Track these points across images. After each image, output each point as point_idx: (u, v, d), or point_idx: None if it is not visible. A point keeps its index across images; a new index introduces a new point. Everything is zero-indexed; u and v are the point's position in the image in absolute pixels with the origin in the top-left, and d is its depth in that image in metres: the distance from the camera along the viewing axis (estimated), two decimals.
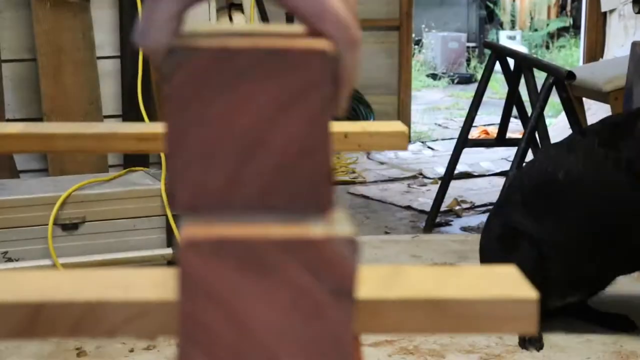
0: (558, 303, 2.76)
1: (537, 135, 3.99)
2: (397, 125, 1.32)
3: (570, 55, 11.01)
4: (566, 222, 2.68)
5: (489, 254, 2.84)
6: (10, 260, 3.03)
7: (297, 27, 0.68)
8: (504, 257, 2.66)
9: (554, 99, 4.44)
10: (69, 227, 3.08)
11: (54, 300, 0.67)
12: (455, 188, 4.88)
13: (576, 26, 11.34)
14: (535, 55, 9.59)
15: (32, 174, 3.57)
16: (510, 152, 5.72)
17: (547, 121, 4.08)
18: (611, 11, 6.35)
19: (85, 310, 0.67)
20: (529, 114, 4.01)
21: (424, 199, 4.82)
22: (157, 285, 0.70)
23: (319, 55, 0.60)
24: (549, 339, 2.74)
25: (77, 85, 3.52)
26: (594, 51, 6.46)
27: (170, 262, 3.14)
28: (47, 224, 3.04)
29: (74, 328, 0.68)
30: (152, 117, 3.51)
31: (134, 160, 3.52)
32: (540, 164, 2.84)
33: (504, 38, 11.63)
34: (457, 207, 4.63)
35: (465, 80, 10.75)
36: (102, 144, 1.21)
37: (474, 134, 6.55)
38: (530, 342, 2.69)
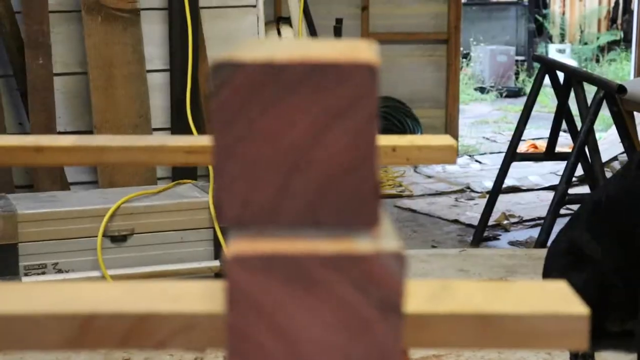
0: (616, 328, 2.71)
1: (587, 150, 3.95)
2: (445, 139, 1.32)
3: (621, 69, 10.89)
4: (618, 245, 2.63)
5: (552, 269, 2.80)
6: (60, 271, 3.06)
7: (345, 42, 0.68)
8: (567, 274, 2.61)
9: (604, 112, 4.39)
10: (118, 239, 3.11)
11: (104, 312, 0.68)
12: (503, 202, 4.84)
13: (627, 39, 11.21)
14: (585, 69, 9.50)
15: (82, 186, 3.62)
16: (559, 166, 5.65)
17: (597, 135, 4.04)
18: None
19: (135, 321, 0.68)
20: (579, 128, 3.97)
21: (472, 213, 4.79)
22: (205, 297, 0.71)
23: (365, 69, 0.60)
24: (600, 355, 2.70)
25: (127, 98, 3.55)
26: None
27: (217, 275, 3.15)
28: (97, 236, 3.07)
29: (124, 339, 0.68)
30: (201, 130, 3.53)
31: (182, 172, 3.55)
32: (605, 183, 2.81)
33: (554, 51, 11.54)
34: (505, 222, 4.59)
35: (514, 93, 10.68)
36: (152, 157, 1.22)
37: (522, 147, 6.49)
38: (582, 358, 2.65)
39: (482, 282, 0.75)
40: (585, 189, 4.84)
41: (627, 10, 11.70)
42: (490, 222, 4.36)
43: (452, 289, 0.71)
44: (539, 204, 4.97)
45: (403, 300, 0.57)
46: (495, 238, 4.34)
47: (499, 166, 4.36)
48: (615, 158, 5.48)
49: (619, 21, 12.17)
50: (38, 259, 3.04)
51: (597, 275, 2.62)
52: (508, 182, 4.96)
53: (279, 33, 3.94)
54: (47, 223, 3.05)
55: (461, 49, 7.04)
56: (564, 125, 4.27)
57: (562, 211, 4.56)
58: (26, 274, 3.03)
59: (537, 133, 7.60)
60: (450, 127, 6.79)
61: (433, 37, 6.63)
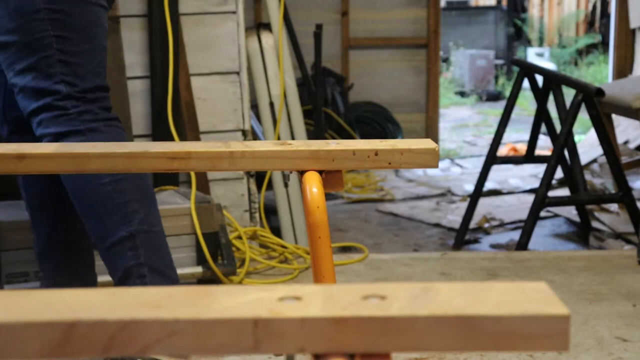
0: None
1: (566, 152, 3.97)
2: (427, 143, 1.33)
3: (599, 72, 10.97)
4: None
5: None
6: (42, 279, 3.05)
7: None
8: None
9: (583, 115, 4.42)
10: None
11: (87, 319, 0.68)
12: (484, 205, 4.86)
13: (605, 43, 11.31)
14: (563, 72, 9.57)
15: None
16: (539, 169, 5.68)
17: (576, 138, 4.06)
18: None
19: (117, 328, 0.68)
20: (558, 131, 4.00)
21: (453, 216, 4.81)
22: (188, 303, 0.71)
23: None
24: None
25: None
26: (623, 68, 6.43)
27: (200, 281, 3.14)
28: None
29: (107, 346, 0.68)
30: (182, 137, 3.53)
31: (164, 179, 3.54)
32: None
33: (532, 55, 11.62)
34: (486, 225, 4.61)
35: (494, 97, 10.74)
36: (134, 163, 1.22)
37: (502, 151, 6.52)
38: None
39: (463, 284, 0.75)
40: (565, 192, 4.87)
41: (605, 13, 11.79)
42: (472, 225, 4.37)
43: (433, 292, 0.72)
44: (519, 207, 4.99)
45: None
46: (476, 241, 4.36)
47: (479, 169, 4.38)
48: (594, 160, 5.52)
49: (597, 24, 12.26)
50: (20, 267, 3.03)
51: None
52: (489, 185, 4.98)
53: (259, 40, 3.94)
54: (30, 231, 3.03)
55: (441, 53, 7.06)
56: (543, 128, 4.29)
57: (543, 214, 4.58)
58: (8, 282, 3.01)
59: (517, 136, 7.64)
60: (431, 131, 6.81)
61: (413, 42, 6.66)
